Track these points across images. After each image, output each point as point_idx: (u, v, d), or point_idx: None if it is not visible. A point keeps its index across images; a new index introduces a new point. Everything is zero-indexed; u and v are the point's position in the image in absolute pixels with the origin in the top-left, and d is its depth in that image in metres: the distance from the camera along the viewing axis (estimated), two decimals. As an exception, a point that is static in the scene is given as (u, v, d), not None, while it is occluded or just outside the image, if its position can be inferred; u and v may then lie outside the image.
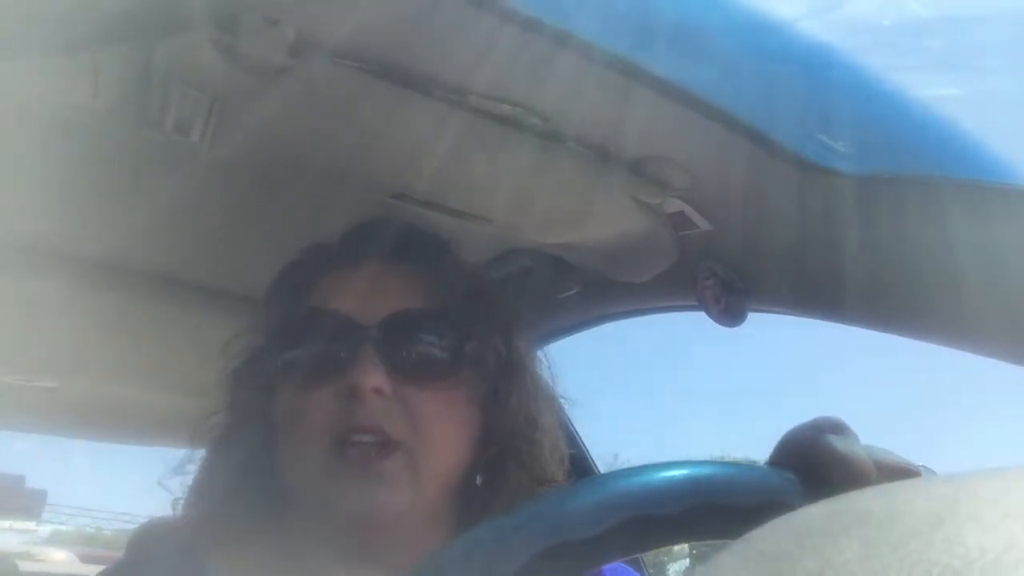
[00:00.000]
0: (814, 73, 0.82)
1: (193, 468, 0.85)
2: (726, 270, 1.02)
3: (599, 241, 1.07)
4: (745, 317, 1.03)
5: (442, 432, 0.78)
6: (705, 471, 0.45)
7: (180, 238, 1.14)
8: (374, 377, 0.75)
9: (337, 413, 0.75)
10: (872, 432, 0.51)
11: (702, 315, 1.07)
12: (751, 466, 0.48)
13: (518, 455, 0.82)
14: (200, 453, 0.86)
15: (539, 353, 0.91)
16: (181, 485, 0.85)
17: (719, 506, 0.44)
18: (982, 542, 0.20)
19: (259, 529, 0.78)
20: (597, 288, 1.22)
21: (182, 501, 0.84)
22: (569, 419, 1.46)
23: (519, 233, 1.10)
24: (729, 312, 1.03)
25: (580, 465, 1.45)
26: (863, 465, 0.47)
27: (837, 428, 0.50)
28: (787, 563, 0.22)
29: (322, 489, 0.75)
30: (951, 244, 0.79)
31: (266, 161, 0.93)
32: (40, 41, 0.68)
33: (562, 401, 0.91)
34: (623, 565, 0.88)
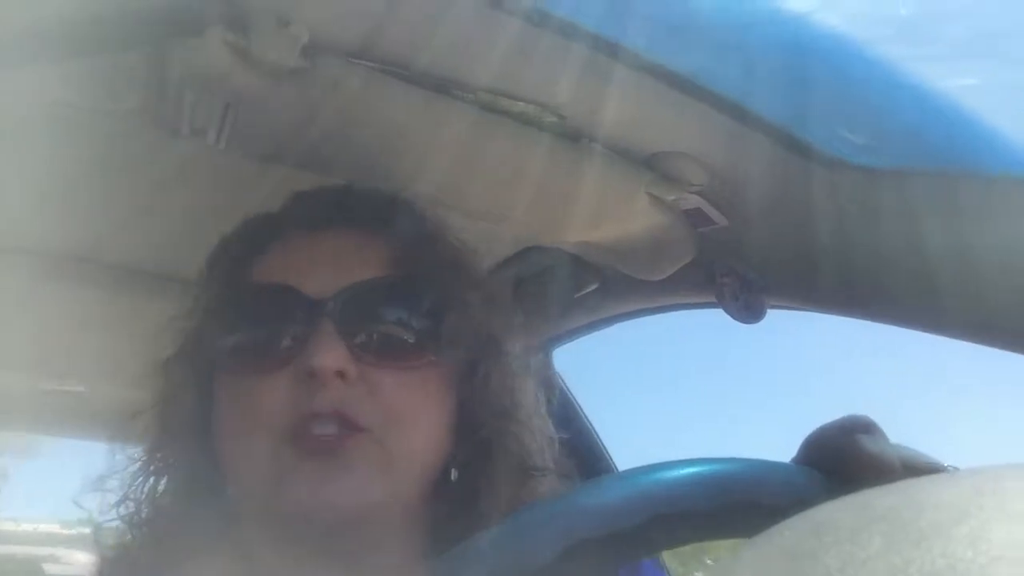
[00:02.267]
0: (832, 65, 0.81)
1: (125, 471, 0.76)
2: (744, 267, 1.01)
3: (616, 238, 1.06)
4: (764, 314, 1.02)
5: (415, 418, 0.69)
6: (734, 468, 0.45)
7: (200, 241, 1.14)
8: (335, 357, 0.65)
9: (292, 400, 0.66)
10: (899, 432, 0.50)
11: (720, 312, 1.07)
12: (780, 464, 0.48)
13: (504, 441, 0.73)
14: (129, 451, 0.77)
15: (520, 328, 0.82)
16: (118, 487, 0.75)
17: (748, 503, 0.43)
18: (1007, 537, 0.19)
19: (212, 540, 0.70)
20: (615, 286, 1.22)
21: (119, 509, 0.75)
22: (587, 417, 1.46)
23: (536, 231, 1.10)
24: (748, 309, 1.02)
25: (599, 463, 1.44)
26: (891, 465, 0.46)
27: (866, 427, 0.49)
28: (807, 559, 0.22)
29: (276, 483, 0.65)
30: (976, 239, 0.78)
31: (282, 163, 0.93)
32: (54, 46, 0.69)
33: (553, 384, 0.83)
34: (648, 563, 0.87)
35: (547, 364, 0.85)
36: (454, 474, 0.76)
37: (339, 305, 0.68)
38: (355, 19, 0.73)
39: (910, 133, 0.82)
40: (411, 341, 0.70)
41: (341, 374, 0.65)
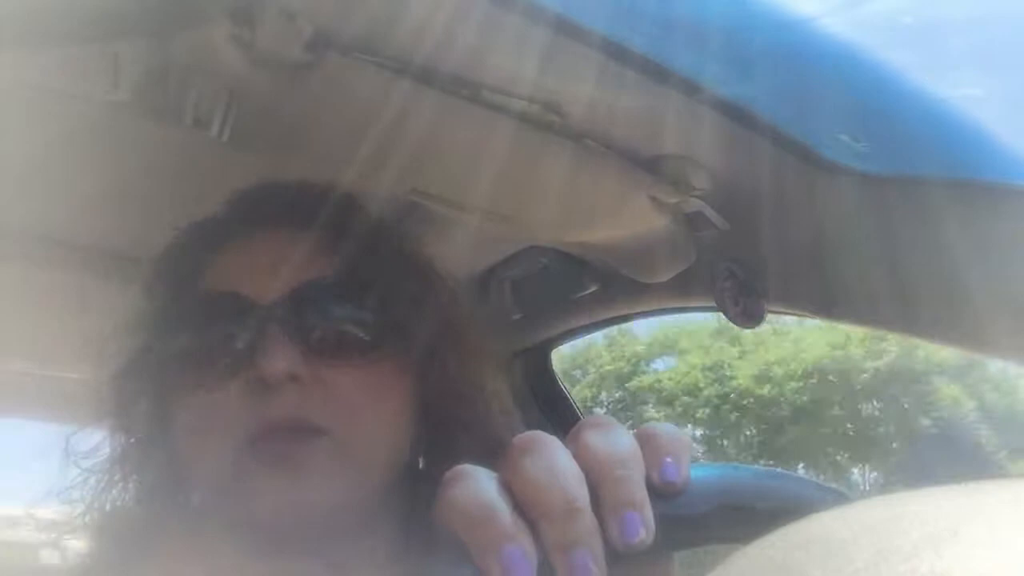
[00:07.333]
0: (836, 71, 0.81)
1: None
2: (744, 271, 1.01)
3: (617, 240, 1.06)
4: (763, 318, 1.02)
5: (374, 415, 0.68)
6: (728, 473, 0.45)
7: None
8: (285, 361, 0.63)
9: (247, 410, 0.64)
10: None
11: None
12: (775, 471, 0.48)
13: (466, 424, 0.72)
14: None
15: (475, 313, 0.81)
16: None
17: (741, 508, 0.43)
18: (995, 556, 0.19)
19: (178, 547, 0.69)
20: (614, 288, 1.21)
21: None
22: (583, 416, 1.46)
23: (536, 231, 1.10)
24: (747, 314, 1.02)
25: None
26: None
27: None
28: (795, 572, 0.22)
29: (239, 493, 0.64)
30: (976, 247, 0.78)
31: (284, 157, 0.93)
32: (58, 33, 0.69)
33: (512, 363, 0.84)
34: None
35: (504, 346, 0.84)
36: (422, 463, 0.75)
37: (287, 308, 0.67)
38: (360, 14, 0.73)
39: (912, 141, 0.82)
40: (364, 338, 0.69)
41: (294, 377, 0.64)
